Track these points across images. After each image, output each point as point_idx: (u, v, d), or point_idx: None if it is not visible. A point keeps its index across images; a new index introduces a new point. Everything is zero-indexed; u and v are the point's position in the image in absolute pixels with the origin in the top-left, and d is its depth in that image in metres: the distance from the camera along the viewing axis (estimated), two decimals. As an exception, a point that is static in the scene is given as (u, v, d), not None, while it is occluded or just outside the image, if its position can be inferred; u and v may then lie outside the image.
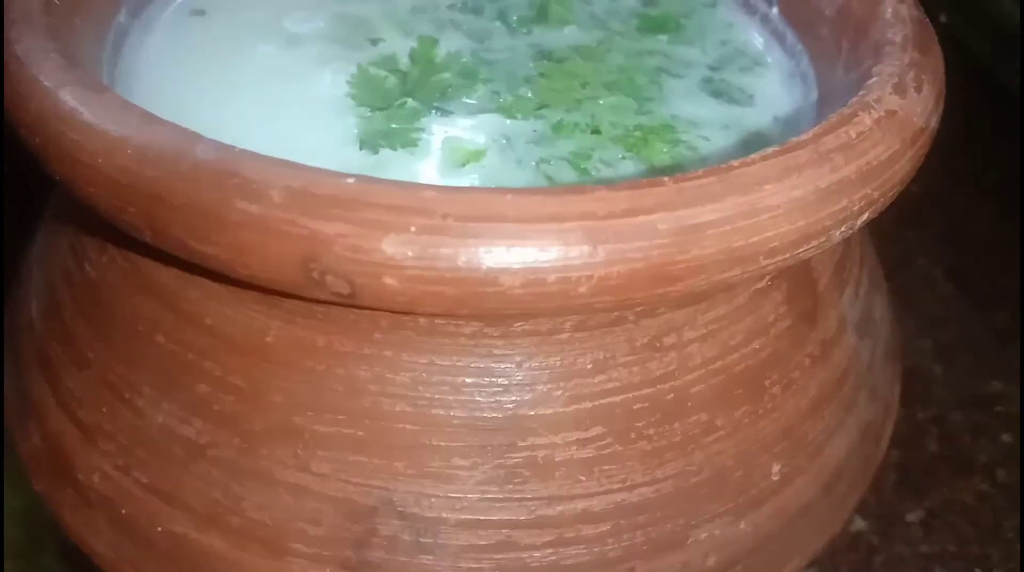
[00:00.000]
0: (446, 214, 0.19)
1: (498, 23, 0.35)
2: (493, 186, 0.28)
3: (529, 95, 0.31)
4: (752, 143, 0.31)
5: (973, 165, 0.58)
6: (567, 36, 0.35)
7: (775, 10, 0.35)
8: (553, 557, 0.24)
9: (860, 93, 0.24)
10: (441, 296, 0.20)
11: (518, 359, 0.24)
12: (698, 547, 0.26)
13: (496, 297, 0.20)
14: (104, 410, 0.26)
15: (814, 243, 0.22)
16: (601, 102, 0.31)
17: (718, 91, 0.33)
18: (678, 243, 0.20)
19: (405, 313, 0.21)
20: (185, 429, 0.25)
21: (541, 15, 0.35)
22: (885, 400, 0.31)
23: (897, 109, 0.24)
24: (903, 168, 0.23)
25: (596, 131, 0.30)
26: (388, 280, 0.20)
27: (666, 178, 0.21)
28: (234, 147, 0.21)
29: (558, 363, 0.24)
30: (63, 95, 0.22)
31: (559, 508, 0.24)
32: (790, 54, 0.34)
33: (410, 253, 0.19)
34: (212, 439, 0.25)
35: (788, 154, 0.22)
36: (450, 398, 0.24)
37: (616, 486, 0.24)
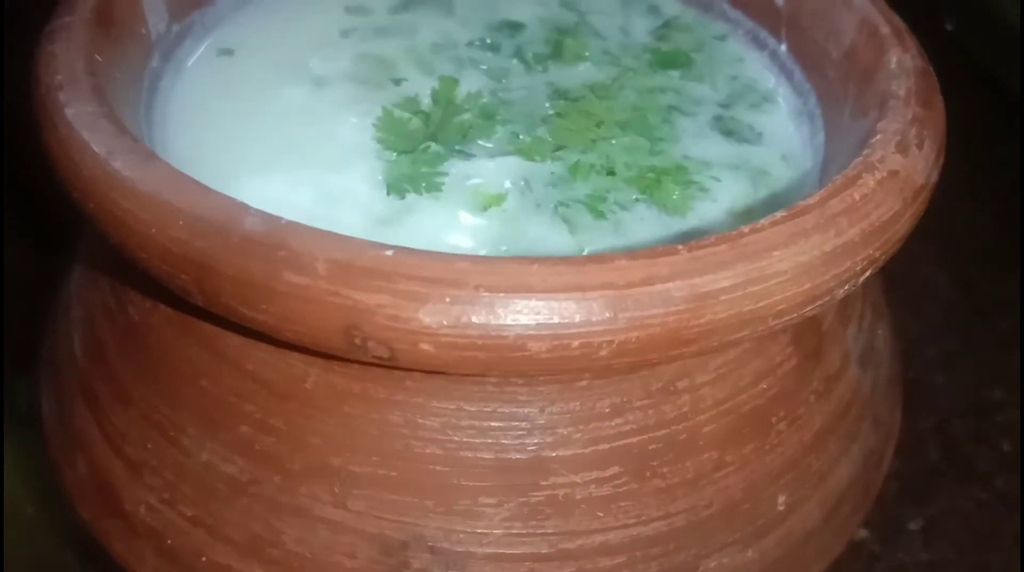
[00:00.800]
0: (478, 285, 0.21)
1: (515, 60, 0.36)
2: (514, 229, 0.30)
3: (547, 136, 0.32)
4: (760, 183, 0.32)
5: (979, 173, 0.58)
6: (582, 73, 0.36)
7: (784, 47, 0.36)
8: (573, 587, 0.26)
9: (864, 152, 0.25)
10: (473, 360, 0.21)
11: (541, 404, 0.25)
12: (708, 575, 0.27)
13: (524, 360, 0.22)
14: (149, 446, 0.28)
15: (819, 303, 0.23)
16: (615, 142, 0.32)
17: (728, 130, 0.34)
18: (692, 309, 0.22)
19: (439, 373, 0.23)
20: (228, 467, 0.27)
21: (556, 52, 0.36)
22: (887, 426, 0.33)
23: (899, 169, 0.25)
24: (904, 227, 0.25)
25: (611, 172, 0.31)
26: (425, 346, 0.21)
27: (680, 246, 0.22)
28: (280, 219, 0.22)
29: (578, 408, 0.25)
30: (115, 163, 0.24)
31: (579, 542, 0.26)
32: (798, 92, 0.35)
33: (445, 321, 0.21)
34: (254, 477, 0.26)
35: (795, 219, 0.23)
36: (477, 441, 0.25)
37: (632, 521, 0.26)
